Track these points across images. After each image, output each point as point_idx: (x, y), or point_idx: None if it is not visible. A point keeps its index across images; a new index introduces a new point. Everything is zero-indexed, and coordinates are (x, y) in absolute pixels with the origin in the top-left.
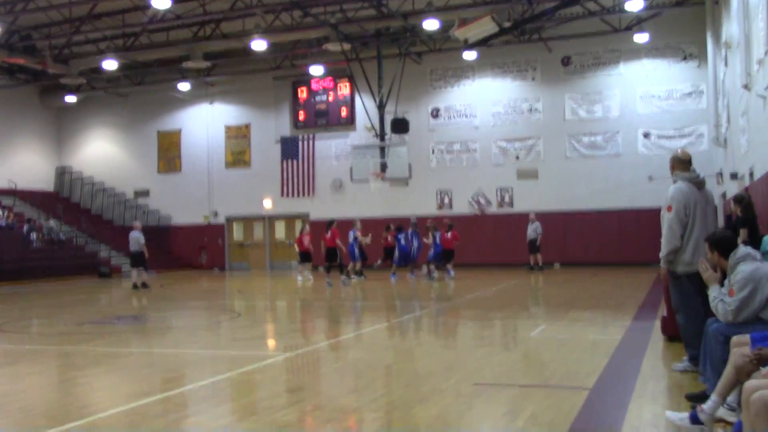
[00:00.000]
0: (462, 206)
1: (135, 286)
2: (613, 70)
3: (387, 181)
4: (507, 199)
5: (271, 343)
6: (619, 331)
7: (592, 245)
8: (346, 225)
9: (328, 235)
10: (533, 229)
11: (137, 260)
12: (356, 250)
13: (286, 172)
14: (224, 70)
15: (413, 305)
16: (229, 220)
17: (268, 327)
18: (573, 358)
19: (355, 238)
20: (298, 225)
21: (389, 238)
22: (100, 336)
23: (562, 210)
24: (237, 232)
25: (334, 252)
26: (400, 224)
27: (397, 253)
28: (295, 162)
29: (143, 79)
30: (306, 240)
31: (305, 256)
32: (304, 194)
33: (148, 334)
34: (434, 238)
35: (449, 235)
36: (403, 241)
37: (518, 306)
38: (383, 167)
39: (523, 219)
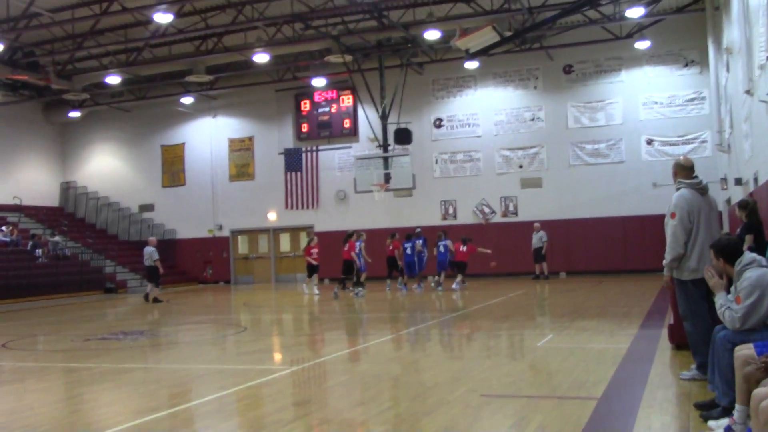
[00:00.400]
0: (466, 216)
1: (146, 299)
2: (615, 77)
3: (390, 191)
4: (511, 208)
5: (277, 356)
6: (626, 339)
7: (597, 253)
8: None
9: (346, 247)
10: (538, 238)
11: (149, 275)
12: (362, 261)
13: (289, 184)
14: (227, 84)
15: (419, 317)
16: (234, 233)
17: (274, 340)
18: (580, 368)
19: (360, 249)
20: (303, 237)
21: (391, 247)
22: (106, 352)
23: (566, 218)
24: (242, 245)
25: (351, 265)
26: (409, 233)
27: (401, 263)
28: (298, 174)
29: (146, 94)
30: (314, 252)
31: (312, 269)
32: (308, 206)
33: (154, 349)
34: (438, 247)
35: (464, 248)
36: (409, 250)
37: (524, 316)
38: (387, 178)
39: (527, 228)
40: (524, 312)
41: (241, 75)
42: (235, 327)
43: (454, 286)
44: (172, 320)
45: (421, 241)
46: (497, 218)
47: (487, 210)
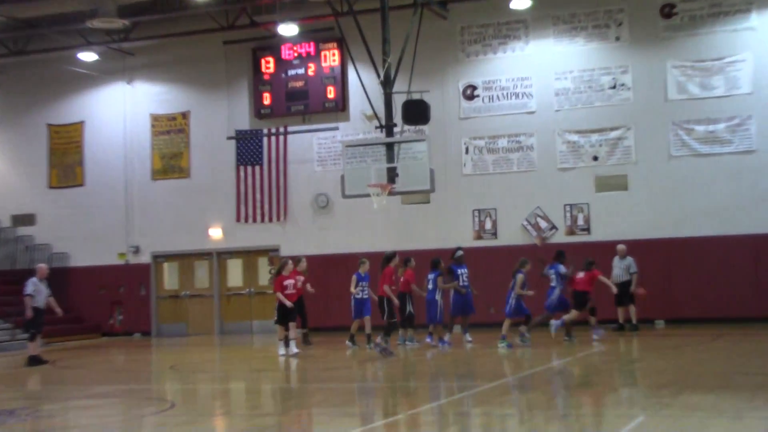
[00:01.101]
0: (512, 233)
1: (32, 361)
2: (742, 22)
3: (397, 195)
4: (581, 221)
5: None
6: (762, 424)
7: (714, 291)
8: (339, 259)
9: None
10: (624, 268)
11: (25, 321)
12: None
13: (244, 185)
14: (150, 32)
15: (446, 386)
16: (157, 259)
17: (216, 424)
18: None
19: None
20: (263, 264)
21: (403, 278)
22: None
23: (665, 237)
24: (169, 278)
25: (390, 305)
26: (435, 257)
27: (410, 306)
28: (257, 169)
29: (26, 47)
30: (289, 285)
31: (286, 313)
32: (271, 218)
33: None
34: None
35: (582, 274)
36: (431, 284)
37: (602, 386)
38: (391, 176)
39: (607, 252)
40: (602, 380)
41: (171, 19)
42: (157, 402)
43: (594, 336)
44: (60, 392)
45: (465, 271)
46: (559, 237)
47: (543, 225)
